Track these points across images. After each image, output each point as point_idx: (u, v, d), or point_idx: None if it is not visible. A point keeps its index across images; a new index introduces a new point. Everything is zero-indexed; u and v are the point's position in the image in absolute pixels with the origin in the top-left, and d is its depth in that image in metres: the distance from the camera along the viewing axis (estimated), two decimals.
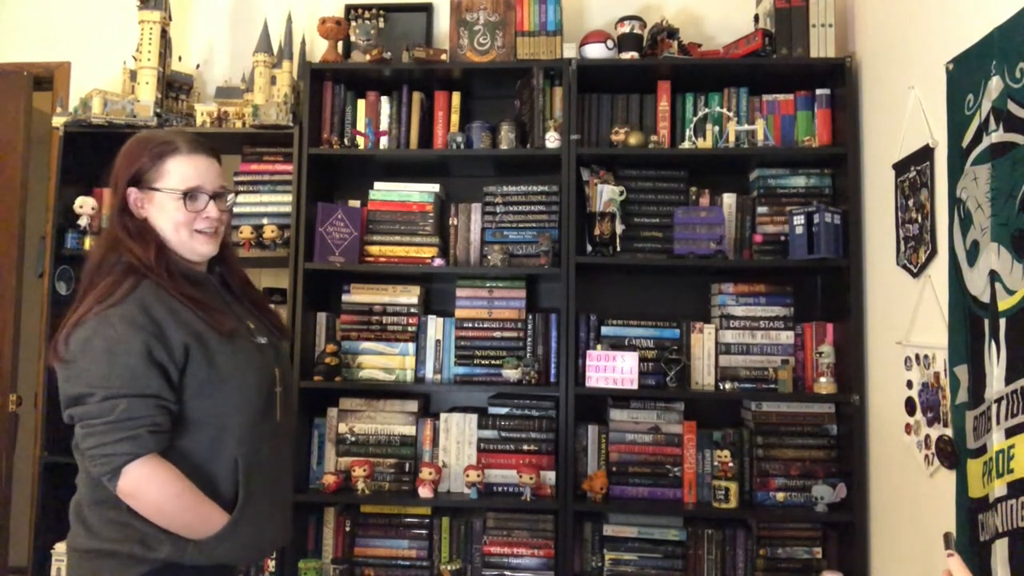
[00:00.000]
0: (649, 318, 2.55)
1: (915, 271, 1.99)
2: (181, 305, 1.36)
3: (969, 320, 1.68)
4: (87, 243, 2.64)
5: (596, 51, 2.56)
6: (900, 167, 2.09)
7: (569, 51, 2.58)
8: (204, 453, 1.36)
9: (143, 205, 1.43)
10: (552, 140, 2.49)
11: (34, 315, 2.82)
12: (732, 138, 2.52)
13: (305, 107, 2.59)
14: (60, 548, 2.52)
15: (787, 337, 2.49)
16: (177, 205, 1.42)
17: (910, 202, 2.02)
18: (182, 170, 1.43)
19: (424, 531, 2.53)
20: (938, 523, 1.81)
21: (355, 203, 2.68)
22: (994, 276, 1.57)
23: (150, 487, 1.29)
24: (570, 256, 2.44)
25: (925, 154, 1.92)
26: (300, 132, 2.57)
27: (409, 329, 2.59)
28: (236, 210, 2.51)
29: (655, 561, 2.44)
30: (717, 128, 2.58)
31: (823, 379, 2.40)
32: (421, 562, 2.51)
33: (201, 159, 1.45)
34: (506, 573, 2.46)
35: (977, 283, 1.64)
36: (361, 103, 2.67)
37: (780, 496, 2.41)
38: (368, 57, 2.59)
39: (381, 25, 2.71)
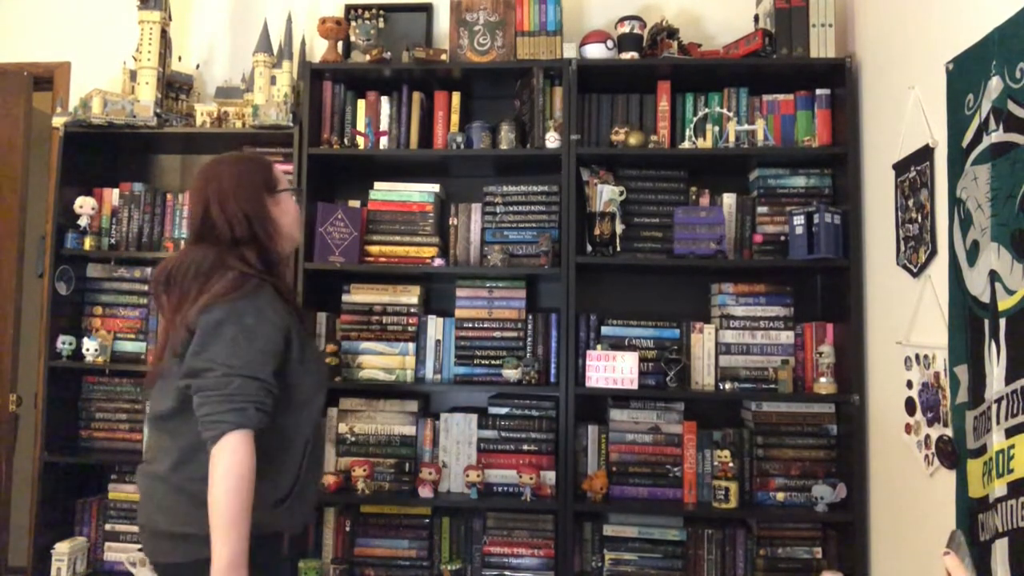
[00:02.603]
0: (649, 318, 2.55)
1: (915, 271, 1.99)
2: (286, 303, 1.59)
3: (969, 320, 1.68)
4: (87, 243, 2.64)
5: (596, 51, 2.56)
6: (900, 167, 2.09)
7: (569, 51, 2.58)
8: (290, 431, 1.56)
9: (272, 209, 1.65)
10: (552, 140, 2.49)
11: (34, 315, 2.81)
12: (732, 138, 2.52)
13: (305, 107, 2.59)
14: (60, 548, 2.52)
15: (787, 337, 2.49)
16: (292, 201, 1.71)
17: (910, 202, 2.02)
18: (283, 173, 1.73)
19: (424, 531, 2.53)
20: (938, 523, 1.81)
21: (355, 203, 2.68)
22: (994, 276, 1.57)
23: (236, 457, 1.40)
24: (570, 256, 2.44)
25: (925, 154, 1.92)
26: (300, 132, 2.57)
27: (409, 329, 2.59)
28: None
29: (655, 561, 2.44)
30: (717, 128, 2.58)
31: (823, 379, 2.40)
32: (421, 562, 2.51)
33: None
34: (506, 573, 2.46)
35: (977, 283, 1.64)
36: (361, 103, 2.67)
37: (780, 496, 2.41)
38: (368, 57, 2.59)
39: (381, 25, 2.71)
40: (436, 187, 2.64)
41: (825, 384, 2.39)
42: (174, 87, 2.79)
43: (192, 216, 1.62)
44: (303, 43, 2.74)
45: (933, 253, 1.88)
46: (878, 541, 2.26)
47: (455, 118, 2.65)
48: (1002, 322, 1.54)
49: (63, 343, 2.62)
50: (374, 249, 2.61)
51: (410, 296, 2.61)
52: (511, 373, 2.47)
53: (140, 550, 2.47)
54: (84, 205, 2.65)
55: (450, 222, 2.67)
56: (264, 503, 1.47)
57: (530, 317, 2.57)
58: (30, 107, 2.88)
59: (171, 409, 1.51)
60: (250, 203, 1.60)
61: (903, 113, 2.06)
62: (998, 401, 1.54)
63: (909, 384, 2.01)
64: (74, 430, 2.71)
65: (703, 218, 2.47)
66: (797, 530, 2.44)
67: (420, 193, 2.63)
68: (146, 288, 2.71)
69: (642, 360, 2.46)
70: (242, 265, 1.54)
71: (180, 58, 2.90)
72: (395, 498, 2.51)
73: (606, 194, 2.50)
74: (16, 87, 2.85)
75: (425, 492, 2.44)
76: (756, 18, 2.67)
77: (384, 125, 2.65)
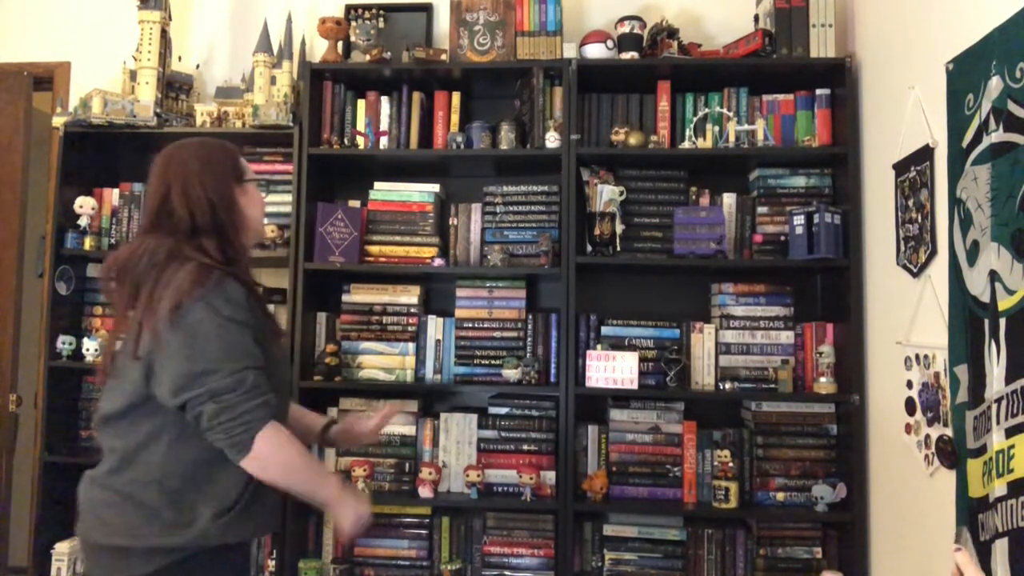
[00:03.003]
0: (649, 318, 2.55)
1: (915, 271, 1.99)
2: (253, 295, 1.49)
3: (969, 320, 1.68)
4: (87, 243, 2.64)
5: (596, 51, 2.56)
6: (900, 167, 2.09)
7: (569, 51, 2.58)
8: None
9: (240, 198, 1.56)
10: (552, 140, 2.49)
11: (34, 315, 2.81)
12: (732, 138, 2.52)
13: (305, 107, 2.59)
14: (60, 548, 2.52)
15: (787, 337, 2.49)
16: (259, 193, 1.63)
17: (910, 202, 2.02)
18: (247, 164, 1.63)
19: (424, 531, 2.53)
20: (938, 523, 1.81)
21: (355, 203, 2.68)
22: (994, 276, 1.57)
23: (281, 440, 1.39)
24: (570, 256, 2.44)
25: (925, 154, 1.93)
26: (300, 132, 2.57)
27: (409, 329, 2.59)
28: None
29: (655, 561, 2.44)
30: (717, 128, 2.58)
31: (823, 379, 2.40)
32: (421, 562, 2.52)
33: None
34: (506, 573, 2.46)
35: (977, 283, 1.64)
36: (361, 103, 2.67)
37: (780, 496, 2.41)
38: (368, 57, 2.59)
39: (381, 25, 2.71)
40: (436, 187, 2.64)
41: (825, 384, 2.39)
42: (174, 87, 2.79)
43: (148, 202, 1.50)
44: (303, 43, 2.74)
45: (933, 253, 1.88)
46: (878, 541, 2.26)
47: (455, 118, 2.65)
48: (1002, 322, 1.54)
49: (63, 343, 2.62)
50: (374, 249, 2.62)
51: (410, 296, 2.61)
52: (511, 373, 2.47)
53: None
54: (84, 205, 2.65)
55: (450, 222, 2.67)
56: (206, 513, 1.38)
57: (530, 317, 2.57)
58: (30, 107, 2.88)
59: (122, 408, 1.41)
60: (216, 189, 1.49)
61: (903, 113, 2.06)
62: (998, 401, 1.54)
63: (909, 384, 2.01)
64: (74, 430, 2.71)
65: (703, 218, 2.46)
66: (797, 530, 2.43)
67: (420, 193, 2.63)
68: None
69: (642, 360, 2.46)
70: (201, 256, 1.43)
71: (180, 58, 2.90)
72: (395, 498, 2.51)
73: (606, 194, 2.50)
74: (16, 87, 2.85)
75: (425, 492, 2.44)
76: (756, 18, 2.67)
77: (384, 125, 2.65)
